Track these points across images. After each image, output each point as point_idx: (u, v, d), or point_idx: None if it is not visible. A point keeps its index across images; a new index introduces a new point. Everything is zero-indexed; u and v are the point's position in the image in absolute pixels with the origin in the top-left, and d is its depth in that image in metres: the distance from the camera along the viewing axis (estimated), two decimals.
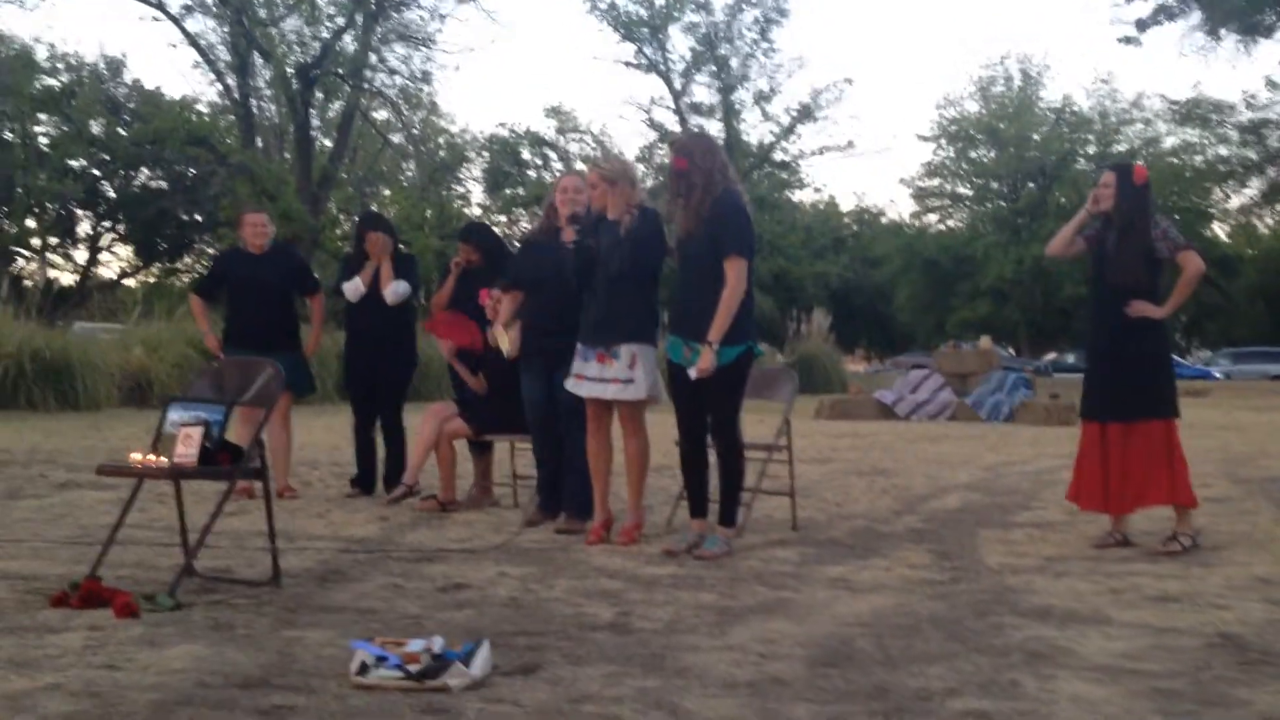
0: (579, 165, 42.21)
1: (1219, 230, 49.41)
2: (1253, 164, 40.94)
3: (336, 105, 30.37)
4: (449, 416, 6.66)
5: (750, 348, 5.22)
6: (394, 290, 7.04)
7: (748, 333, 5.21)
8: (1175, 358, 41.62)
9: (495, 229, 8.32)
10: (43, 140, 29.40)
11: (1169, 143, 45.67)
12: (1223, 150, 42.06)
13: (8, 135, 29.17)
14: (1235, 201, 45.21)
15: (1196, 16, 29.27)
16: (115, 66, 32.93)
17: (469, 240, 7.08)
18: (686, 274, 5.28)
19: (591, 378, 5.42)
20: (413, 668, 3.08)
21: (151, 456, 4.28)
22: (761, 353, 5.38)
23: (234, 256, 7.48)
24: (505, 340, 6.03)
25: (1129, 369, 5.45)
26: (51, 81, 29.12)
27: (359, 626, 3.73)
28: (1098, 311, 5.65)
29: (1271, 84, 38.37)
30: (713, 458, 5.41)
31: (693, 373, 5.11)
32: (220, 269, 7.50)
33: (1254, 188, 42.76)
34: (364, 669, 3.09)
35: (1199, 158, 43.37)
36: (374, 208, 33.88)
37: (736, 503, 5.38)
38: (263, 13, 27.04)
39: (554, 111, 44.43)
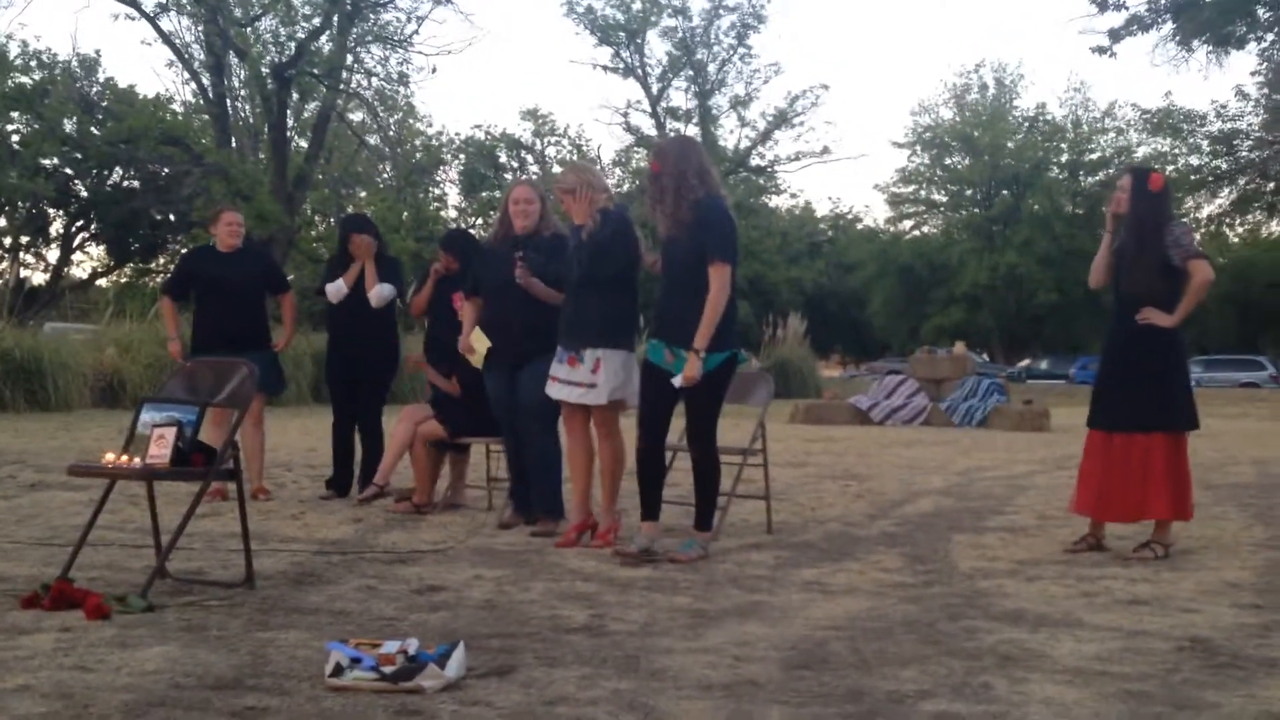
0: (554, 169, 42.19)
1: None
2: (1223, 173, 41.30)
3: (312, 106, 30.22)
4: (424, 418, 6.65)
5: (734, 355, 5.21)
6: (379, 293, 7.03)
7: (731, 340, 5.18)
8: None
9: (475, 236, 8.26)
10: (14, 138, 29.13)
11: (1141, 152, 46.08)
12: (1194, 160, 42.46)
13: None
14: (1206, 210, 45.62)
15: (1169, 28, 29.50)
16: (89, 64, 32.66)
17: (450, 249, 7.08)
18: (669, 278, 5.25)
19: (562, 380, 5.47)
20: (387, 669, 3.07)
21: (124, 457, 4.25)
22: (745, 359, 5.41)
23: (202, 255, 7.42)
24: (479, 350, 6.00)
25: (1139, 378, 5.40)
26: (24, 79, 28.83)
27: (333, 628, 3.72)
28: (1114, 319, 5.61)
29: (1242, 94, 38.75)
30: (684, 462, 5.42)
31: (677, 381, 5.07)
32: (189, 268, 7.36)
33: (1225, 197, 43.15)
34: (338, 670, 3.08)
35: (1170, 167, 43.73)
36: (350, 209, 33.77)
37: (713, 507, 5.35)
38: (238, 12, 26.90)
39: (531, 114, 44.43)
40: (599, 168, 6.59)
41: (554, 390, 5.51)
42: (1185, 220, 5.68)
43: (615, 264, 5.41)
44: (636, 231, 5.56)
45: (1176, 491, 5.41)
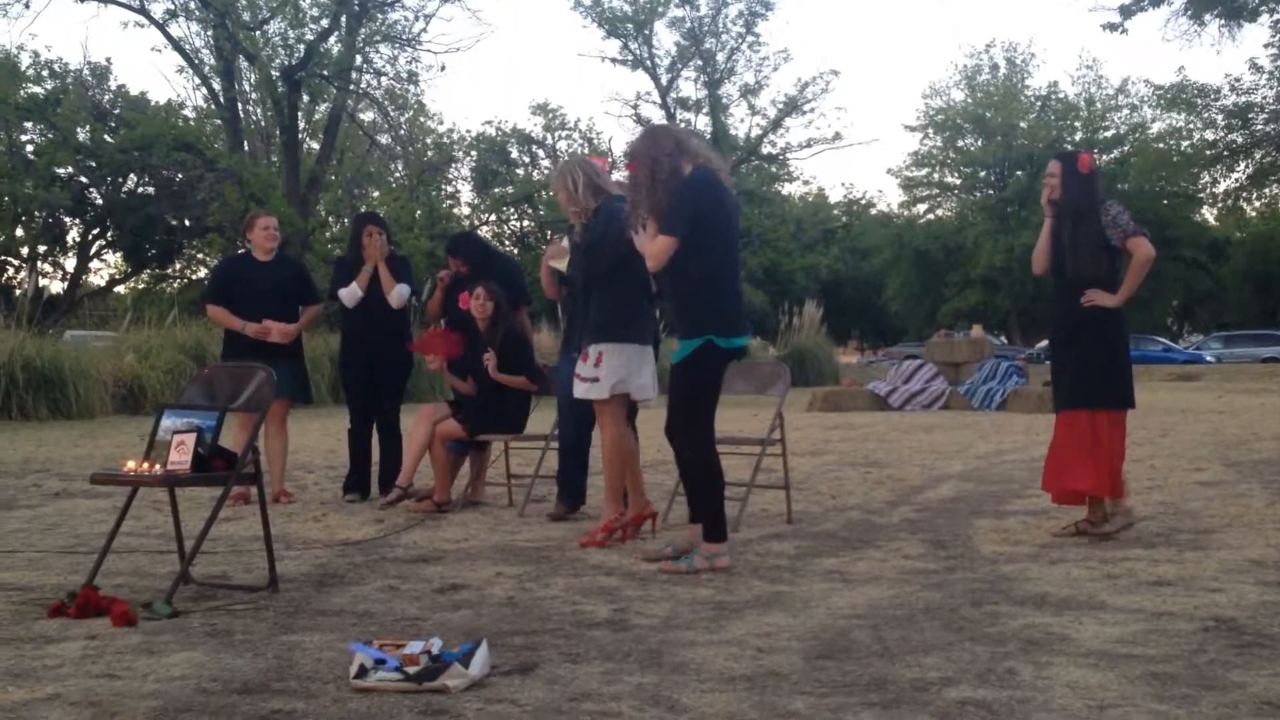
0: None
1: (1208, 214, 49.60)
2: (1239, 147, 41.01)
3: (323, 107, 30.29)
4: (441, 418, 6.67)
5: (710, 341, 4.76)
6: (398, 294, 7.05)
7: (703, 325, 4.77)
8: (1170, 343, 41.74)
9: (480, 236, 8.29)
10: (29, 148, 29.30)
11: (1156, 128, 45.84)
12: (1209, 135, 42.16)
13: None
14: (1223, 185, 45.32)
15: (1180, 2, 29.31)
16: (100, 73, 32.83)
17: (456, 252, 7.12)
18: (666, 269, 4.99)
19: (580, 376, 5.49)
20: (411, 670, 3.09)
21: (145, 464, 4.28)
22: (731, 345, 4.84)
23: (238, 263, 7.41)
24: (564, 262, 5.91)
25: (1081, 358, 5.45)
26: (36, 89, 29.02)
27: (357, 629, 3.74)
28: (1058, 303, 5.67)
29: (1256, 67, 38.44)
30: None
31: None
32: (227, 275, 7.29)
33: (1241, 171, 42.84)
34: (363, 672, 3.09)
35: (1186, 142, 43.48)
36: (363, 209, 33.84)
37: (711, 513, 4.82)
38: (246, 16, 26.96)
39: (540, 109, 44.45)
40: (608, 160, 6.50)
41: (574, 388, 5.55)
42: (1119, 204, 5.70)
43: (609, 256, 5.37)
44: (621, 221, 5.45)
45: (1097, 467, 5.40)
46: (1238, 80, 39.79)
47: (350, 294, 7.05)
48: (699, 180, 4.81)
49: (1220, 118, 41.04)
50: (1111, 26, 28.12)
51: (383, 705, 2.93)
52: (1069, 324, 5.53)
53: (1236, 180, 43.62)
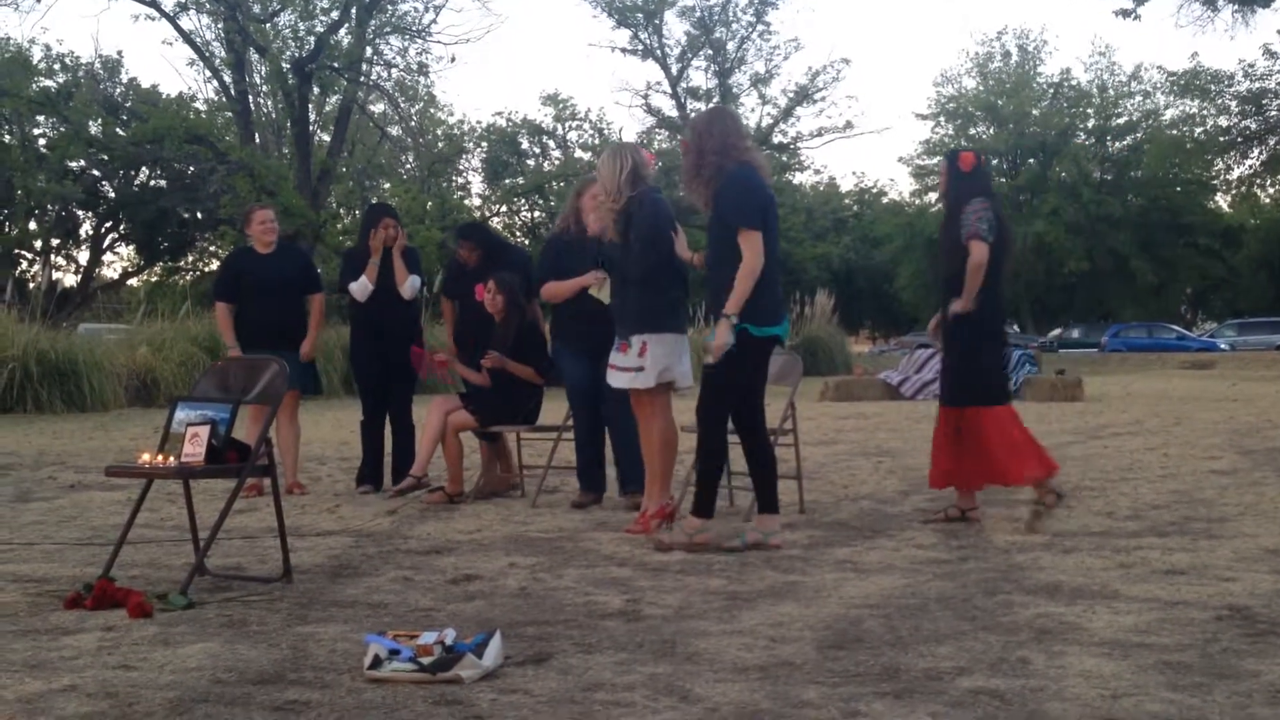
0: (576, 153, 42.18)
1: (1221, 201, 49.35)
2: (1253, 134, 40.80)
3: (333, 99, 30.32)
4: (454, 408, 6.68)
5: (744, 329, 4.90)
6: (411, 285, 7.07)
7: (747, 313, 4.90)
8: (1184, 331, 41.46)
9: (491, 226, 8.30)
10: (41, 142, 29.40)
11: (1169, 115, 45.59)
12: (1223, 121, 41.93)
13: (6, 138, 29.18)
14: (1237, 172, 45.08)
15: None
16: (111, 66, 32.91)
17: (469, 238, 7.13)
18: (709, 255, 5.16)
19: (619, 367, 5.47)
20: (425, 660, 3.10)
21: (160, 457, 4.30)
22: (764, 333, 4.97)
23: (244, 256, 7.42)
24: (604, 291, 6.06)
25: (949, 357, 5.70)
26: (48, 83, 29.09)
27: (371, 620, 3.76)
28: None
29: (1270, 53, 38.22)
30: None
31: (709, 358, 4.97)
32: (234, 269, 7.33)
33: (1255, 158, 42.61)
34: (377, 662, 3.10)
35: (1199, 129, 43.25)
36: (374, 201, 33.87)
37: (702, 491, 5.06)
38: (257, 8, 26.99)
39: (551, 99, 44.39)
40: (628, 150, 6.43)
41: (612, 378, 5.52)
42: (990, 199, 5.71)
43: (663, 248, 5.37)
44: (666, 213, 5.49)
45: (1015, 457, 5.53)
46: (1251, 66, 39.60)
47: (361, 288, 7.05)
48: (745, 175, 5.03)
49: (1234, 104, 40.83)
50: (1124, 13, 27.94)
51: (397, 696, 2.95)
52: (943, 323, 5.72)
53: (1250, 167, 43.42)
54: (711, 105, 7.05)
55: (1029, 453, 5.60)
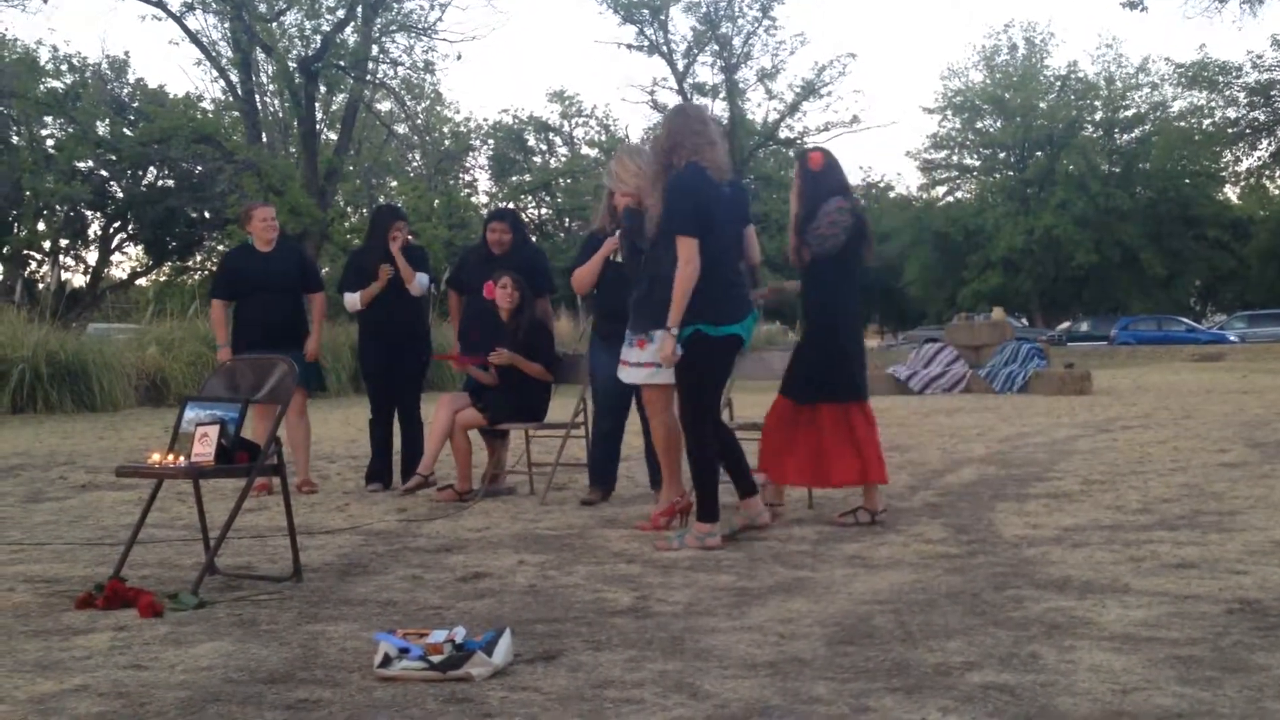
0: (583, 150, 42.15)
1: (1230, 193, 49.20)
2: (1262, 125, 40.67)
3: (340, 98, 30.35)
4: (462, 406, 6.69)
5: (697, 330, 4.92)
6: (418, 283, 7.09)
7: (691, 316, 4.90)
8: (1193, 323, 41.41)
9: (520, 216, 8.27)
10: (49, 143, 29.47)
11: (1177, 106, 45.46)
12: (1231, 112, 41.79)
13: (14, 139, 29.26)
14: (1245, 164, 44.93)
15: None
16: (118, 66, 32.98)
17: (504, 219, 7.14)
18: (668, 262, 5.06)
19: (633, 363, 5.38)
20: (435, 658, 3.10)
21: (170, 457, 4.31)
22: (720, 332, 4.97)
23: (243, 254, 7.44)
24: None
25: (803, 353, 5.70)
26: (55, 84, 29.16)
27: (381, 619, 3.76)
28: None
29: (1278, 43, 38.12)
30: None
31: (643, 363, 5.07)
32: (233, 267, 7.36)
33: (1264, 149, 42.47)
34: (387, 661, 3.11)
35: (1207, 121, 43.11)
36: (381, 199, 33.92)
37: (703, 494, 5.03)
38: (262, 7, 27.03)
39: (557, 96, 44.41)
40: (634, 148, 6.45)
41: (624, 374, 5.44)
42: (847, 196, 5.76)
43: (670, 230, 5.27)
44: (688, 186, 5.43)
45: (857, 459, 5.54)
46: (1259, 57, 39.54)
47: (350, 301, 7.10)
48: (697, 176, 4.97)
49: (1242, 95, 40.69)
50: (1131, 4, 27.84)
51: (407, 694, 2.95)
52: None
53: (1259, 158, 43.28)
54: (675, 106, 7.04)
55: (867, 456, 5.60)
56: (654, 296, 5.24)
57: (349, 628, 3.66)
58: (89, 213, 32.72)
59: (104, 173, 30.71)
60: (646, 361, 5.32)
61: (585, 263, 6.30)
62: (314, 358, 7.21)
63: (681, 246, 4.88)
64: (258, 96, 29.17)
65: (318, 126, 28.83)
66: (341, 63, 26.75)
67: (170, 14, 26.58)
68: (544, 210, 44.38)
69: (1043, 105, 46.63)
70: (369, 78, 28.32)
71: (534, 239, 37.90)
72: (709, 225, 4.96)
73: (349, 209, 33.05)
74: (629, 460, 6.15)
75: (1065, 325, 45.98)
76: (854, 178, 56.24)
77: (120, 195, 32.42)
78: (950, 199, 50.61)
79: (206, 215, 30.88)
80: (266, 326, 6.98)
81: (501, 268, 6.75)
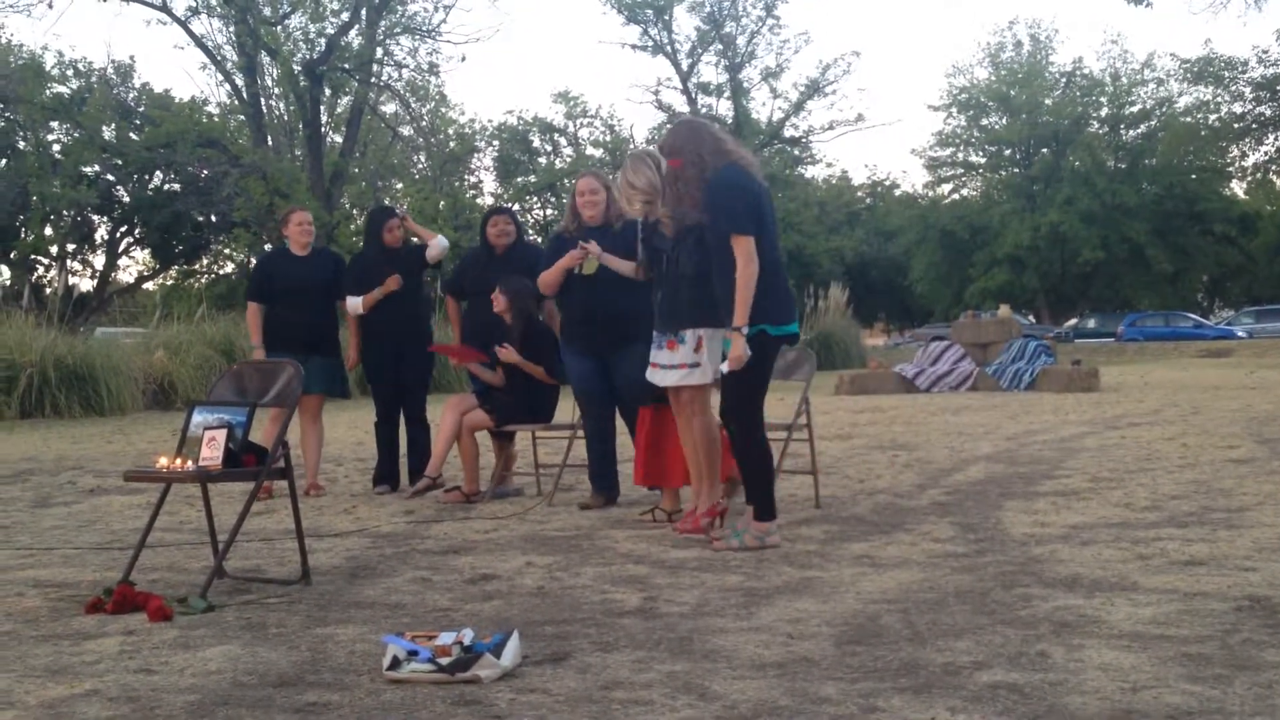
0: (588, 150, 42.15)
1: (1237, 188, 49.07)
2: (1268, 120, 40.56)
3: (345, 101, 30.42)
4: (469, 408, 6.69)
5: (763, 330, 4.91)
6: (439, 245, 7.18)
7: (756, 315, 4.87)
8: (1200, 319, 41.35)
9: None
10: (55, 148, 29.57)
11: (1183, 102, 45.35)
12: (1237, 108, 41.69)
13: (21, 144, 29.36)
14: (1252, 159, 44.82)
15: None
16: (124, 71, 33.06)
17: (504, 213, 7.20)
18: (716, 264, 5.01)
19: (664, 365, 5.34)
20: (444, 661, 3.11)
21: (178, 461, 4.32)
22: (782, 331, 4.99)
23: (278, 258, 7.47)
24: (590, 264, 6.01)
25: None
26: (61, 89, 29.27)
27: (389, 621, 3.77)
28: None
29: None
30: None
31: (724, 366, 4.93)
32: (268, 271, 7.38)
33: (1270, 144, 42.36)
34: (396, 664, 3.12)
35: (1213, 116, 43.01)
36: (387, 201, 33.94)
37: (760, 493, 5.00)
38: (267, 11, 27.09)
39: (562, 97, 44.39)
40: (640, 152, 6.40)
41: (656, 376, 5.39)
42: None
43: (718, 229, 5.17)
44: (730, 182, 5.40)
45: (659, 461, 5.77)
46: (1265, 52, 39.40)
47: (353, 305, 7.11)
48: (731, 176, 4.95)
49: (1248, 90, 40.60)
50: (1137, 0, 27.77)
51: (416, 696, 2.96)
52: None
53: (1265, 153, 43.17)
54: (683, 119, 6.89)
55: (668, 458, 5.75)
56: (681, 296, 5.24)
57: (357, 630, 3.66)
58: (95, 217, 32.82)
59: (110, 177, 30.79)
60: (679, 363, 5.28)
61: (550, 268, 6.22)
62: (354, 365, 7.27)
63: (740, 245, 4.84)
64: (263, 100, 29.23)
65: (323, 129, 28.91)
66: (346, 65, 26.82)
67: (175, 18, 26.69)
68: (549, 211, 44.37)
69: (1048, 102, 46.54)
70: (374, 80, 28.38)
71: (538, 240, 37.80)
72: (762, 222, 4.94)
73: (355, 211, 33.08)
74: (629, 461, 6.14)
75: (1072, 322, 45.86)
76: (858, 176, 56.29)
77: (126, 199, 32.51)
78: (956, 196, 50.51)
79: (213, 219, 30.94)
80: (297, 330, 7.01)
81: (502, 269, 6.72)
